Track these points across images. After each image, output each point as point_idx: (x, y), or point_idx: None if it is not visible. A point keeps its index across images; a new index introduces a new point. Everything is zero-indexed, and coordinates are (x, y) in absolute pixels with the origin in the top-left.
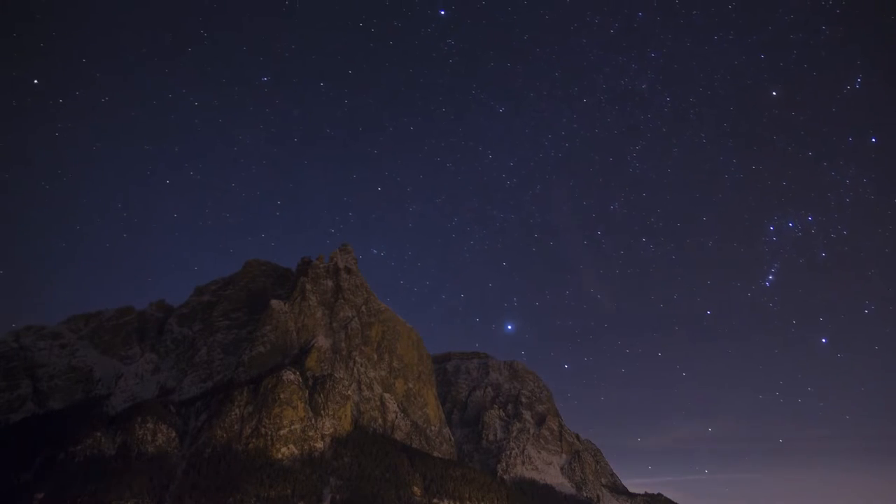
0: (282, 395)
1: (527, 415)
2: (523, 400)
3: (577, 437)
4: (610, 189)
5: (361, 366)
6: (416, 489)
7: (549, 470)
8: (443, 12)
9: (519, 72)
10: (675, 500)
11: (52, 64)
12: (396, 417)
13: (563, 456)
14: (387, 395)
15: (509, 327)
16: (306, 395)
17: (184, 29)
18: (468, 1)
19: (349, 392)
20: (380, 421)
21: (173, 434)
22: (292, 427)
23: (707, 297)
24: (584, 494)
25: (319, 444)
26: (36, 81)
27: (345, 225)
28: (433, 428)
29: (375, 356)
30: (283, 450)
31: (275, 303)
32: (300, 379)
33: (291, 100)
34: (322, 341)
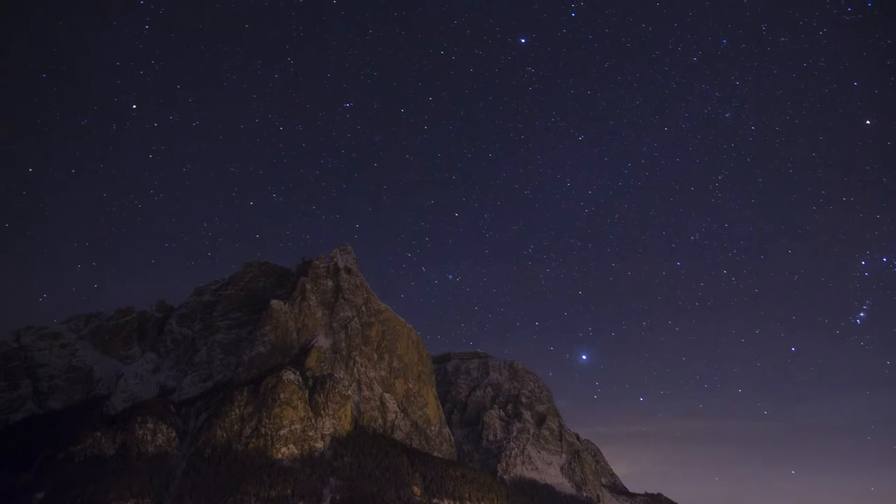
0: (282, 395)
1: (527, 415)
2: (523, 400)
3: (577, 436)
4: (690, 219)
5: (361, 366)
6: (415, 489)
7: (549, 470)
8: (523, 40)
9: (599, 99)
10: (675, 501)
11: (149, 90)
12: (396, 417)
13: (563, 456)
14: (387, 395)
15: (584, 357)
16: (306, 395)
17: (271, 56)
18: (548, 29)
19: (349, 392)
20: (380, 421)
21: (173, 434)
22: (292, 427)
23: (792, 334)
24: (584, 494)
25: (319, 444)
26: (134, 106)
27: (421, 250)
28: (433, 428)
29: (375, 356)
30: (283, 450)
31: (275, 303)
32: (300, 379)
33: (372, 126)
34: (322, 341)
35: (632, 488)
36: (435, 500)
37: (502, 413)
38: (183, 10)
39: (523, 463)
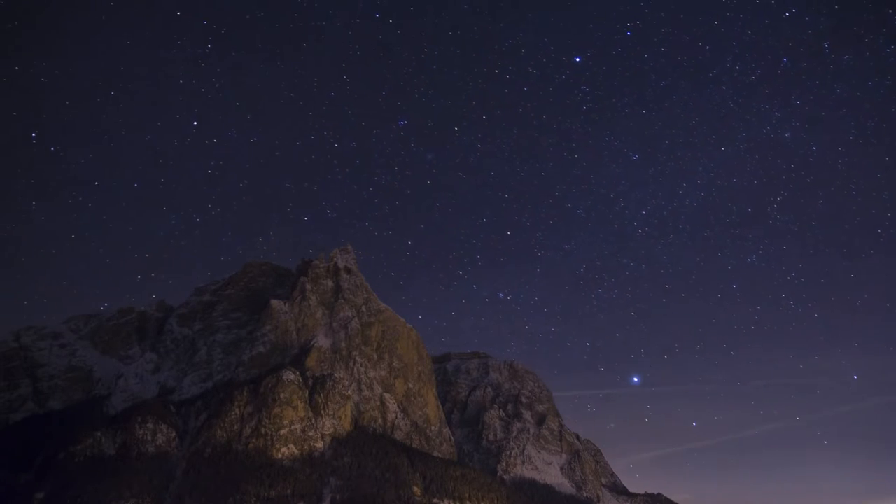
0: (282, 395)
1: (527, 415)
2: (523, 400)
3: (577, 436)
4: (747, 241)
5: (361, 366)
6: (416, 489)
7: (549, 470)
8: (578, 59)
9: (654, 119)
10: (675, 501)
11: (209, 107)
12: (396, 417)
13: (563, 456)
14: (387, 395)
15: (635, 379)
16: (306, 394)
17: (328, 74)
18: (603, 48)
19: (349, 392)
20: (380, 421)
21: (173, 434)
22: (292, 427)
23: (854, 361)
24: (584, 494)
25: (319, 444)
26: (195, 123)
27: (472, 268)
28: (433, 428)
29: (375, 356)
30: (283, 450)
31: (275, 303)
32: (300, 379)
33: (426, 143)
34: (322, 341)
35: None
36: (435, 500)
37: (502, 413)
38: (242, 30)
39: (523, 463)
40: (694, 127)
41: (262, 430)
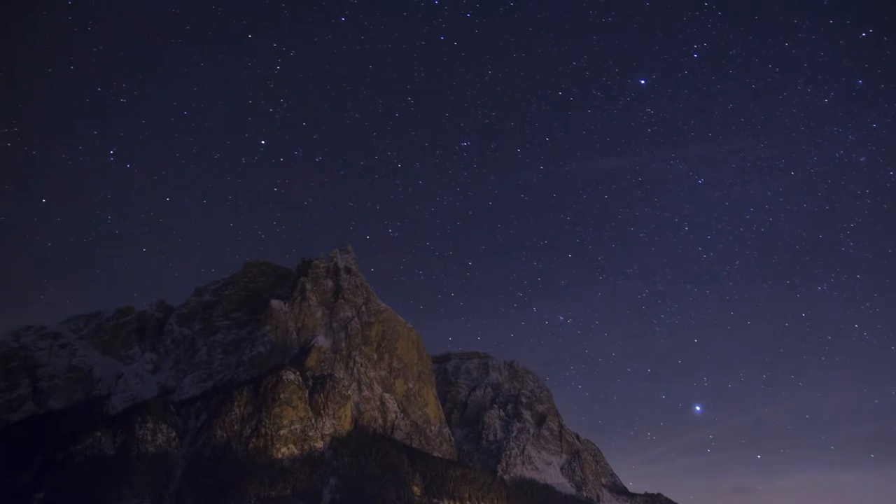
0: (282, 395)
1: (527, 415)
2: (523, 400)
3: (577, 436)
4: (818, 269)
5: (361, 366)
6: (415, 489)
7: (549, 470)
8: (643, 81)
9: (721, 142)
10: (675, 501)
11: (276, 126)
12: (396, 417)
13: (563, 456)
14: (387, 395)
15: (698, 408)
16: (306, 394)
17: (393, 95)
18: (669, 70)
19: (349, 392)
20: (380, 421)
21: (173, 434)
22: (292, 427)
23: None
24: (584, 494)
25: (319, 444)
26: (263, 142)
27: (533, 290)
28: (433, 428)
29: (375, 356)
30: (283, 450)
31: (275, 303)
32: (300, 379)
33: (489, 165)
34: (322, 341)
35: None
36: (435, 500)
37: (502, 413)
38: (310, 51)
39: (523, 463)
40: (762, 150)
41: (262, 430)
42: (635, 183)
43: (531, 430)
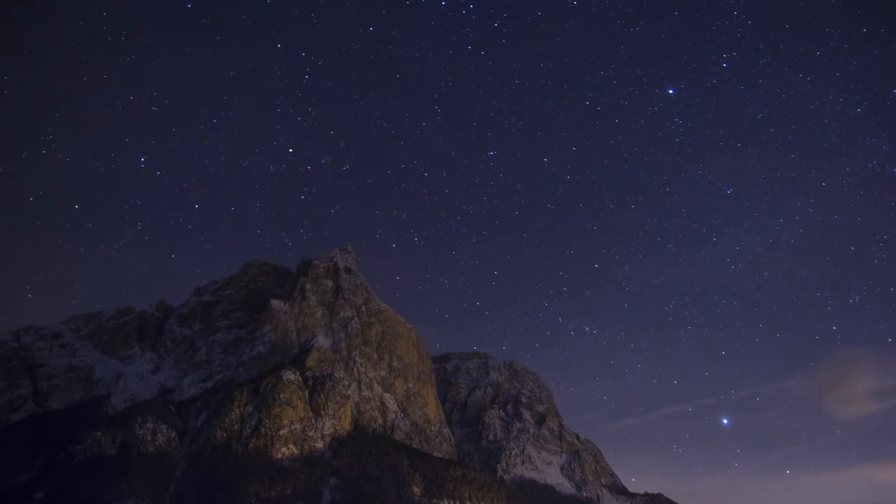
0: (282, 395)
1: (527, 415)
2: (523, 400)
3: (577, 436)
4: (850, 281)
5: (361, 366)
6: (415, 489)
7: (549, 470)
8: (671, 91)
9: (750, 153)
10: (675, 501)
11: (304, 135)
12: (396, 417)
13: (563, 456)
14: (387, 395)
15: (725, 421)
16: (306, 394)
17: (420, 104)
18: (697, 80)
19: (349, 392)
20: (380, 421)
21: (173, 434)
22: (292, 427)
23: None
24: (584, 494)
25: (319, 444)
26: (291, 150)
27: (559, 300)
28: (433, 428)
29: (375, 356)
30: (283, 450)
31: (275, 303)
32: (300, 379)
33: (515, 174)
34: (322, 341)
35: None
36: (435, 500)
37: (502, 413)
38: (339, 60)
39: (523, 463)
40: (792, 161)
41: (262, 430)
42: (663, 193)
43: (531, 430)
